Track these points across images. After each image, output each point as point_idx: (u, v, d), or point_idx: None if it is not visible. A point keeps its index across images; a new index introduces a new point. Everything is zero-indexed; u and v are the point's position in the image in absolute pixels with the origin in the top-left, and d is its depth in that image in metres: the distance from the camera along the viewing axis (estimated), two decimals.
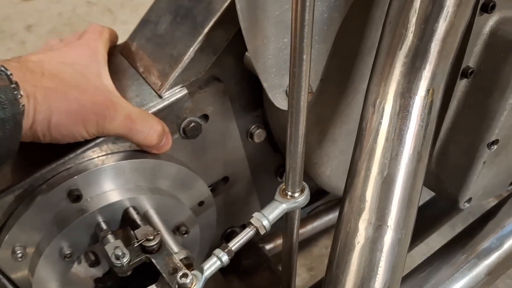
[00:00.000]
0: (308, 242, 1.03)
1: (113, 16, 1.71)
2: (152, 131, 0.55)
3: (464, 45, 0.54)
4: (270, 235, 0.82)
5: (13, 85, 0.45)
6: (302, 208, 0.56)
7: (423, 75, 0.47)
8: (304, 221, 0.86)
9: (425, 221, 0.82)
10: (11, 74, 0.45)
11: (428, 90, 0.48)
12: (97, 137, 0.55)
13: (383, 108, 0.49)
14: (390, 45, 0.48)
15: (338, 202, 0.89)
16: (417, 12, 0.45)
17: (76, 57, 0.56)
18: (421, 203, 0.78)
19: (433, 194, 0.82)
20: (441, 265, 0.63)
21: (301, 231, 0.80)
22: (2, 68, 0.46)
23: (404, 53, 0.47)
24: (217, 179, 0.69)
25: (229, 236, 0.77)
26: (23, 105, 0.46)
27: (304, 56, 0.42)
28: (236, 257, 0.78)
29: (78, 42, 0.59)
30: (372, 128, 0.49)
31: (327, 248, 1.02)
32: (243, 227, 0.79)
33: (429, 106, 0.48)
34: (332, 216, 0.86)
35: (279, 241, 0.81)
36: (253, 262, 0.76)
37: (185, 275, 0.47)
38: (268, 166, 0.75)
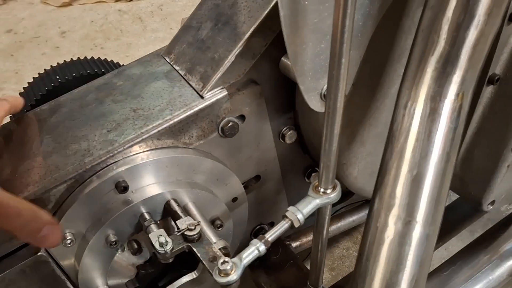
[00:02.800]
0: (330, 243, 1.06)
1: (143, 24, 1.77)
2: (21, 213, 0.48)
3: (491, 53, 0.57)
4: (296, 233, 0.85)
5: None
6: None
7: (453, 80, 0.50)
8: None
9: (445, 225, 0.84)
10: None
11: (457, 94, 0.51)
12: (143, 134, 0.59)
13: (414, 110, 0.52)
14: (422, 51, 0.51)
15: (361, 205, 0.92)
16: (449, 20, 0.48)
17: None
18: None
19: (453, 199, 0.85)
20: (464, 265, 0.66)
21: None
22: None
23: (435, 58, 0.50)
24: (250, 177, 0.73)
25: (258, 232, 0.80)
26: None
27: (343, 60, 0.46)
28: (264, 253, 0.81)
29: None
30: (403, 129, 0.53)
31: (348, 249, 1.05)
32: (271, 224, 0.82)
33: (458, 110, 0.51)
34: (355, 218, 0.89)
35: (305, 239, 0.84)
36: (280, 258, 0.79)
37: (225, 262, 0.50)
38: (297, 167, 0.79)
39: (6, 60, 1.70)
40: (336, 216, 0.90)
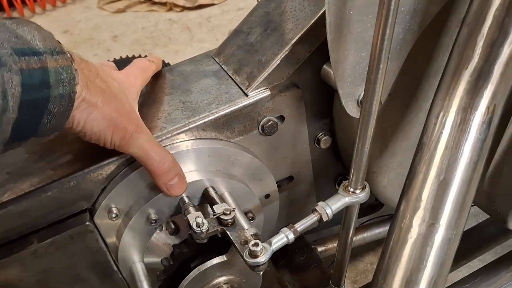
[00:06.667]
0: (354, 257, 1.07)
1: (191, 34, 1.85)
2: (163, 160, 0.59)
3: None
4: (322, 239, 0.88)
5: (73, 70, 0.49)
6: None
7: (484, 94, 0.53)
8: (356, 231, 0.91)
9: (471, 244, 0.85)
10: (74, 63, 0.50)
11: (488, 107, 0.54)
12: (190, 123, 0.64)
13: (446, 120, 0.55)
14: (457, 65, 0.54)
15: (387, 218, 0.94)
16: (484, 37, 0.52)
17: (121, 80, 0.62)
18: None
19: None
20: (485, 279, 0.67)
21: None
22: (69, 55, 0.50)
23: (469, 72, 0.53)
24: (284, 176, 0.76)
25: None
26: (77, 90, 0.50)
27: (381, 66, 0.50)
28: (290, 253, 0.84)
29: (122, 71, 0.66)
30: (433, 137, 0.56)
31: (372, 264, 1.06)
32: None
33: (488, 122, 0.54)
34: (381, 230, 0.91)
35: (331, 245, 0.86)
36: (305, 260, 0.82)
37: (256, 245, 0.54)
38: (329, 173, 0.82)
39: None
40: (363, 227, 0.92)
